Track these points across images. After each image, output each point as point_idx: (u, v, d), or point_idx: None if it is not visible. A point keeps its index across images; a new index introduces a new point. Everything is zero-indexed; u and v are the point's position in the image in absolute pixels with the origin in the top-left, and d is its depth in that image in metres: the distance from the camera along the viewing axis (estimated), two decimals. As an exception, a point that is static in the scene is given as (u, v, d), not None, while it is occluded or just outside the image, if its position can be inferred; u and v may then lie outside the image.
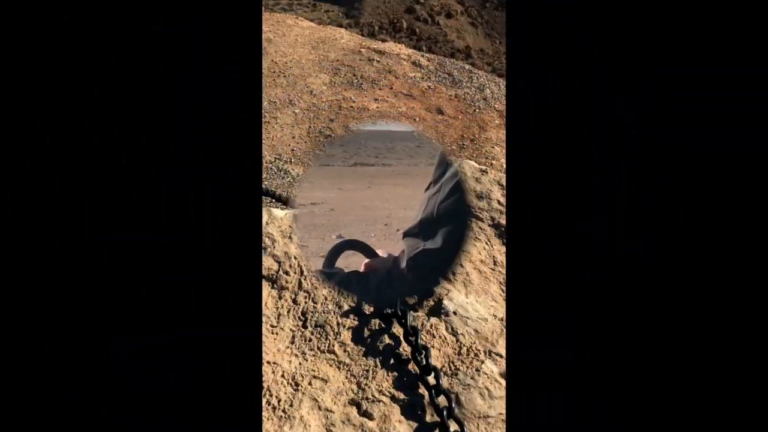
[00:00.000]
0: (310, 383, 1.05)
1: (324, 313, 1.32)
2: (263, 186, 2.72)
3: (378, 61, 4.58)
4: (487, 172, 2.23)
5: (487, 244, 1.90)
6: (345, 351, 1.16)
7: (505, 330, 1.39)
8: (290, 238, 1.71)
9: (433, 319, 1.28)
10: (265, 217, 1.77)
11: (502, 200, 2.01)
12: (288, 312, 1.41)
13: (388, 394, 1.04)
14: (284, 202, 2.04)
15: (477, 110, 3.96)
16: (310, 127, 3.63)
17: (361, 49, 4.82)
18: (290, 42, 4.89)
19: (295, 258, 1.68)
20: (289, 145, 3.44)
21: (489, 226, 1.99)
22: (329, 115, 3.76)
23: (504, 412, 1.09)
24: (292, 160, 3.31)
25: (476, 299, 1.60)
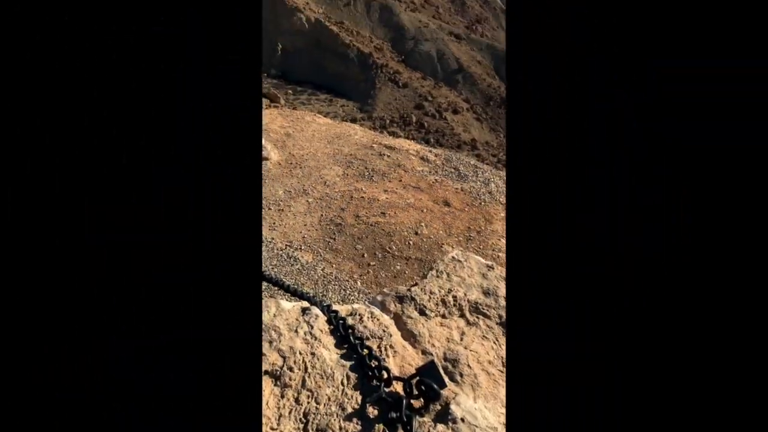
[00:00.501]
0: (308, 497, 0.99)
1: (327, 415, 1.27)
2: (272, 274, 2.76)
3: (388, 156, 4.88)
4: (493, 268, 2.26)
5: (495, 343, 1.86)
6: (346, 460, 1.11)
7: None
8: (296, 331, 1.70)
9: (440, 426, 1.23)
10: (272, 310, 1.78)
11: (509, 297, 1.99)
12: (290, 413, 1.36)
13: None
14: (292, 292, 2.06)
15: (483, 203, 4.11)
16: (321, 215, 3.77)
17: (373, 144, 5.17)
18: (308, 137, 5.28)
19: (300, 353, 1.66)
20: (301, 232, 3.55)
21: (497, 324, 1.96)
22: (341, 204, 3.92)
23: None
24: (302, 247, 3.38)
25: (485, 404, 1.53)
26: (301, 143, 5.11)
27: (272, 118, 5.86)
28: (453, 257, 2.35)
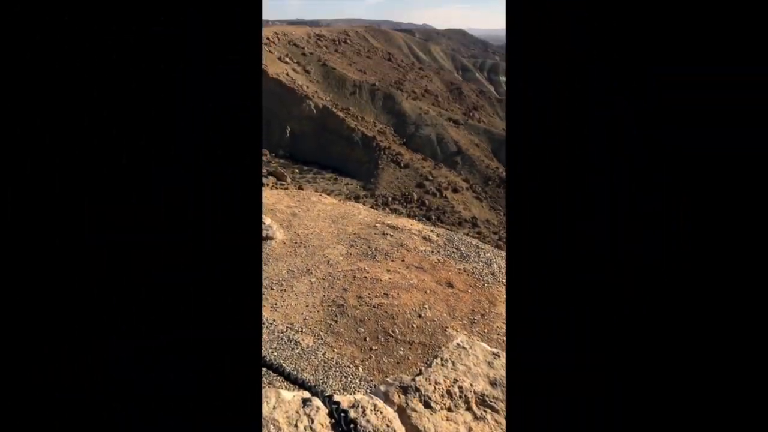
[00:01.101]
0: None
1: None
2: (271, 360, 2.68)
3: (391, 235, 4.97)
4: (499, 356, 2.20)
5: (504, 439, 1.76)
6: None
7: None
8: (296, 426, 1.63)
9: None
10: (272, 401, 1.72)
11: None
12: None
13: None
14: (293, 380, 1.99)
15: (485, 284, 4.09)
16: (324, 295, 3.75)
17: (377, 224, 5.29)
18: (313, 216, 5.43)
19: (299, 452, 1.57)
20: (302, 313, 3.50)
21: (505, 418, 1.87)
22: (343, 285, 3.91)
23: None
24: (303, 330, 3.32)
25: None
26: (307, 222, 5.24)
27: (279, 198, 6.07)
28: (458, 344, 2.30)
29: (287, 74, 36.41)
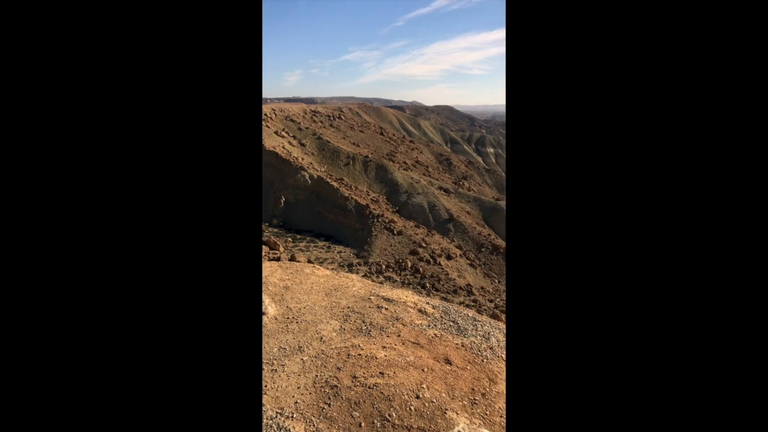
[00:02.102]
0: None
1: None
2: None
3: (386, 309, 4.86)
4: (504, 445, 2.05)
5: None
6: None
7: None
8: None
9: None
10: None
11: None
12: None
13: None
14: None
15: (485, 360, 3.94)
16: (316, 375, 3.57)
17: (371, 297, 5.19)
18: (306, 289, 5.33)
19: None
20: (293, 396, 3.30)
21: None
22: (337, 363, 3.74)
23: None
24: (294, 416, 3.11)
25: None
26: (299, 296, 5.13)
27: (272, 271, 5.99)
28: (459, 431, 2.16)
29: (283, 147, 37.87)
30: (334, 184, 35.12)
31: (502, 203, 38.32)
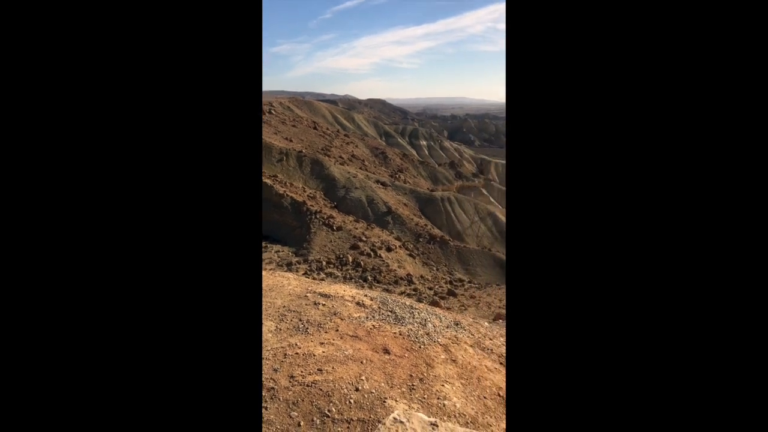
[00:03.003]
0: None
1: None
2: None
3: (323, 305, 4.80)
4: (437, 426, 2.12)
5: None
6: None
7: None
8: None
9: None
10: None
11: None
12: None
13: None
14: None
15: (422, 346, 4.04)
16: (252, 379, 3.43)
17: (308, 294, 5.10)
18: (239, 291, 5.11)
19: None
20: (227, 404, 3.15)
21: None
22: (273, 365, 3.63)
23: None
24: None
25: None
26: (231, 299, 4.90)
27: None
28: (394, 418, 2.20)
29: (211, 145, 35.86)
30: (268, 181, 34.00)
31: (437, 194, 39.52)
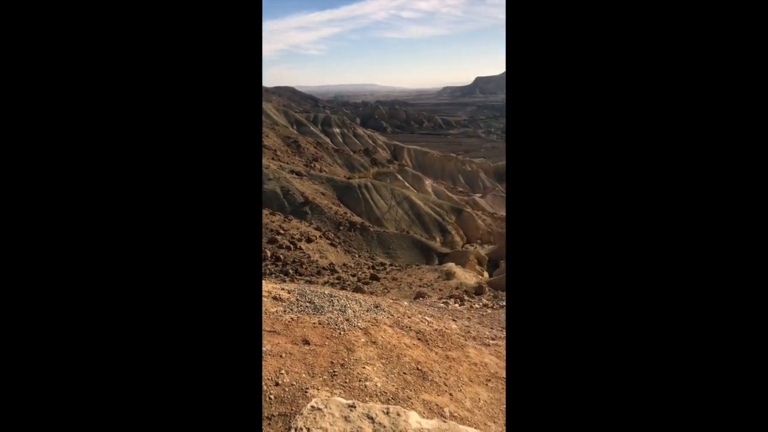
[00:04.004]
0: None
1: None
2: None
3: (237, 303, 4.60)
4: (355, 407, 2.16)
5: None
6: None
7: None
8: None
9: None
10: None
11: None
12: None
13: None
14: None
15: (342, 332, 4.08)
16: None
17: (220, 294, 4.84)
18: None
19: None
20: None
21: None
22: (184, 372, 3.40)
23: None
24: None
25: None
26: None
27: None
28: (312, 407, 2.20)
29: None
30: (171, 178, 31.29)
31: (354, 181, 39.66)
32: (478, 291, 19.74)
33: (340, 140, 65.89)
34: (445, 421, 2.13)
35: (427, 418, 2.31)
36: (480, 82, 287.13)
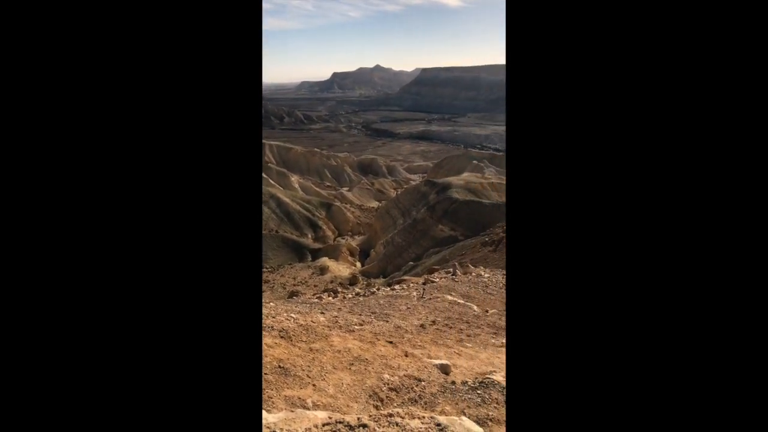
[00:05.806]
0: None
1: None
2: None
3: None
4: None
5: None
6: None
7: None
8: None
9: None
10: None
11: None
12: None
13: None
14: None
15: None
16: None
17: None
18: None
19: None
20: None
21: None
22: None
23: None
24: None
25: None
26: None
27: None
28: None
29: None
30: None
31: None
32: (352, 281, 20.32)
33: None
34: (293, 411, 2.12)
35: (290, 412, 2.28)
36: (337, 77, 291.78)
